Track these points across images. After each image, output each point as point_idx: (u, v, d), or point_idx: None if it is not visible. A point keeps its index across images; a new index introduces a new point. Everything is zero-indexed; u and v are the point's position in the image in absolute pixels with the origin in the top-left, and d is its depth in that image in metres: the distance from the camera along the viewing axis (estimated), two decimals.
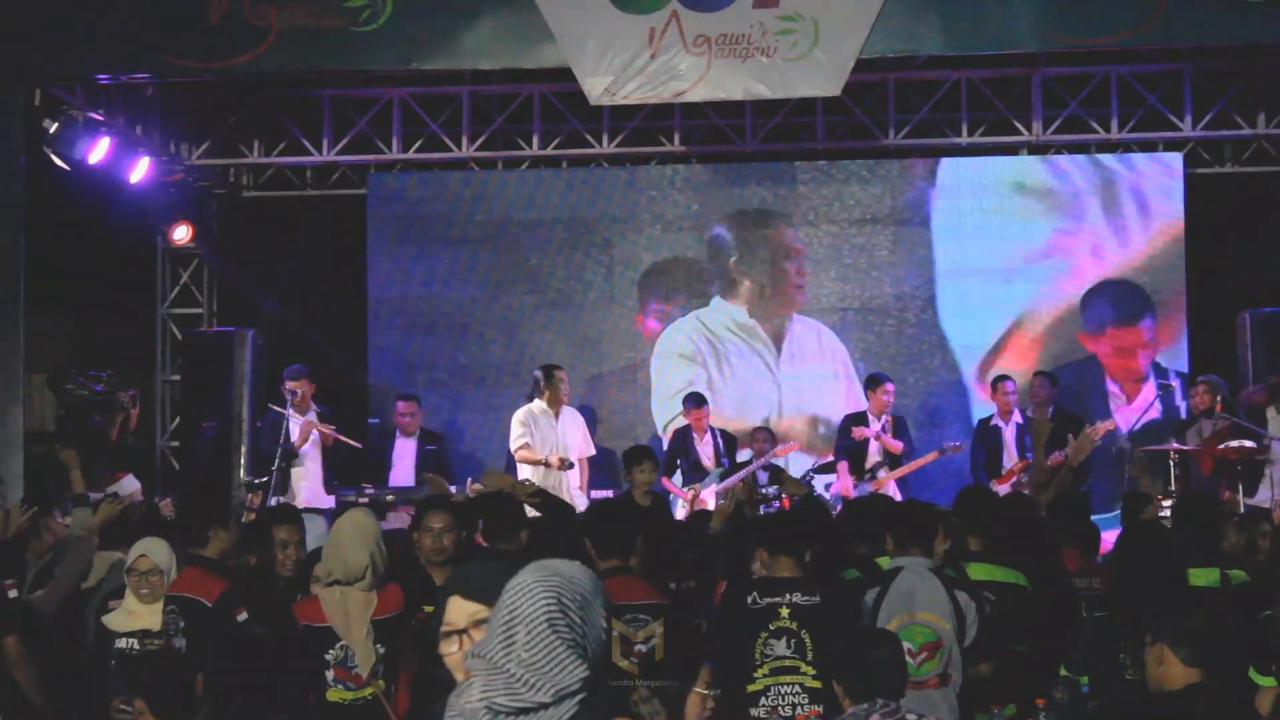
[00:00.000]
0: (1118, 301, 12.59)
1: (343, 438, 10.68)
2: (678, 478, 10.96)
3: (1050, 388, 11.17)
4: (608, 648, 2.90)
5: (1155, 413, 11.92)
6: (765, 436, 11.41)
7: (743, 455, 11.35)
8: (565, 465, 10.34)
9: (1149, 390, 12.39)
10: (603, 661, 2.86)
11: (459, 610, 3.08)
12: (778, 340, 12.73)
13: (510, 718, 2.76)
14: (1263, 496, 9.97)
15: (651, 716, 4.62)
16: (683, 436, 11.04)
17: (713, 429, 11.11)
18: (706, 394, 11.50)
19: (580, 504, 9.64)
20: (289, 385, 10.60)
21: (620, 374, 12.90)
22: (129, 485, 9.81)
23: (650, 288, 12.92)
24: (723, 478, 10.55)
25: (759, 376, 12.72)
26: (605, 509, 7.22)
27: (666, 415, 12.50)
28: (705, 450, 10.93)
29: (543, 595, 2.77)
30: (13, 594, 6.31)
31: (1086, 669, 5.51)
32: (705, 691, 5.17)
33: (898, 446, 10.88)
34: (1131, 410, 12.21)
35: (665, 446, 11.26)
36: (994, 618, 5.73)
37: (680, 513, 10.02)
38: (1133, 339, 12.57)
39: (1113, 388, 12.56)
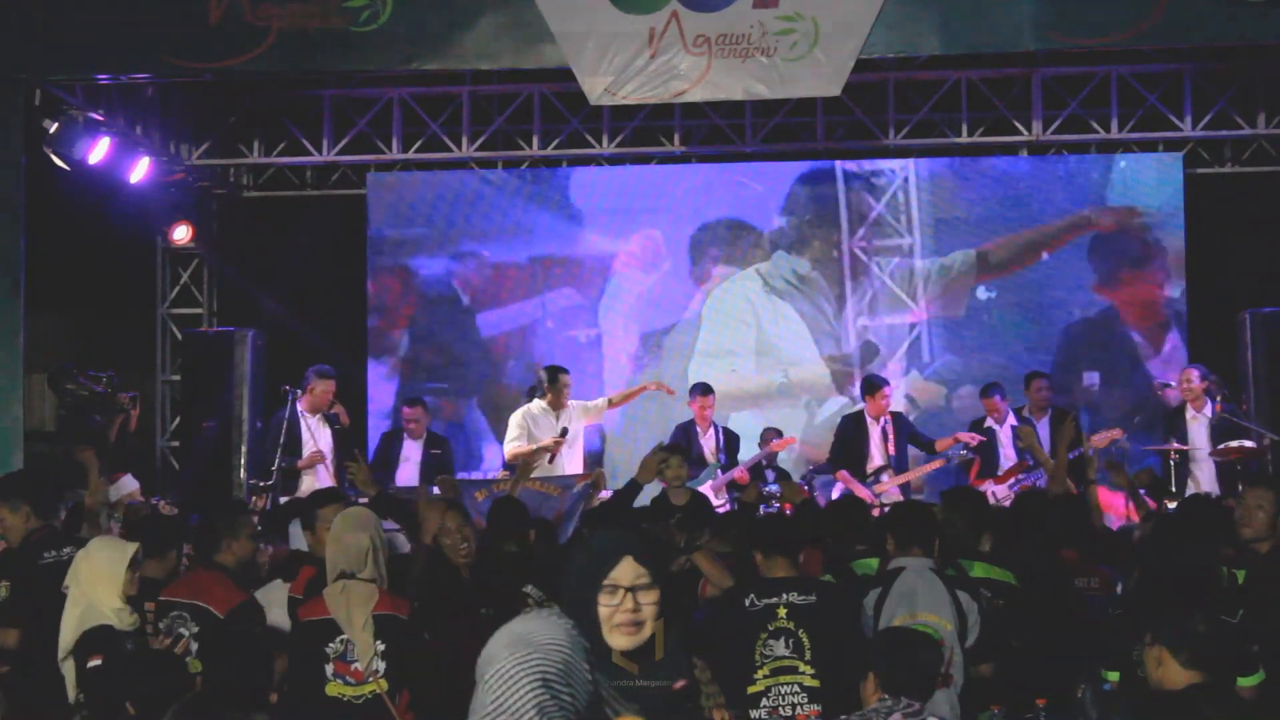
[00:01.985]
0: (1124, 252, 12.62)
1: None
2: None
3: (1049, 389, 11.16)
4: (596, 692, 2.86)
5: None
6: (773, 436, 11.43)
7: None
8: (562, 435, 10.31)
9: (1174, 338, 12.42)
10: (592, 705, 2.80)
11: (629, 570, 3.15)
12: (841, 297, 12.84)
13: None
14: None
15: (714, 697, 4.67)
16: (685, 431, 11.03)
17: (716, 425, 11.13)
18: (754, 356, 12.04)
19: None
20: (323, 386, 10.52)
21: (623, 370, 12.92)
22: (128, 485, 9.79)
23: (702, 250, 13.01)
24: (722, 471, 10.63)
25: (818, 330, 12.83)
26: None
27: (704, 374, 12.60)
28: (707, 444, 10.95)
29: (527, 682, 2.66)
30: None
31: (1114, 666, 5.48)
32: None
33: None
34: (1160, 360, 12.26)
35: (668, 442, 11.14)
36: (995, 615, 5.72)
37: None
38: (1148, 288, 12.58)
39: (1137, 337, 12.58)
